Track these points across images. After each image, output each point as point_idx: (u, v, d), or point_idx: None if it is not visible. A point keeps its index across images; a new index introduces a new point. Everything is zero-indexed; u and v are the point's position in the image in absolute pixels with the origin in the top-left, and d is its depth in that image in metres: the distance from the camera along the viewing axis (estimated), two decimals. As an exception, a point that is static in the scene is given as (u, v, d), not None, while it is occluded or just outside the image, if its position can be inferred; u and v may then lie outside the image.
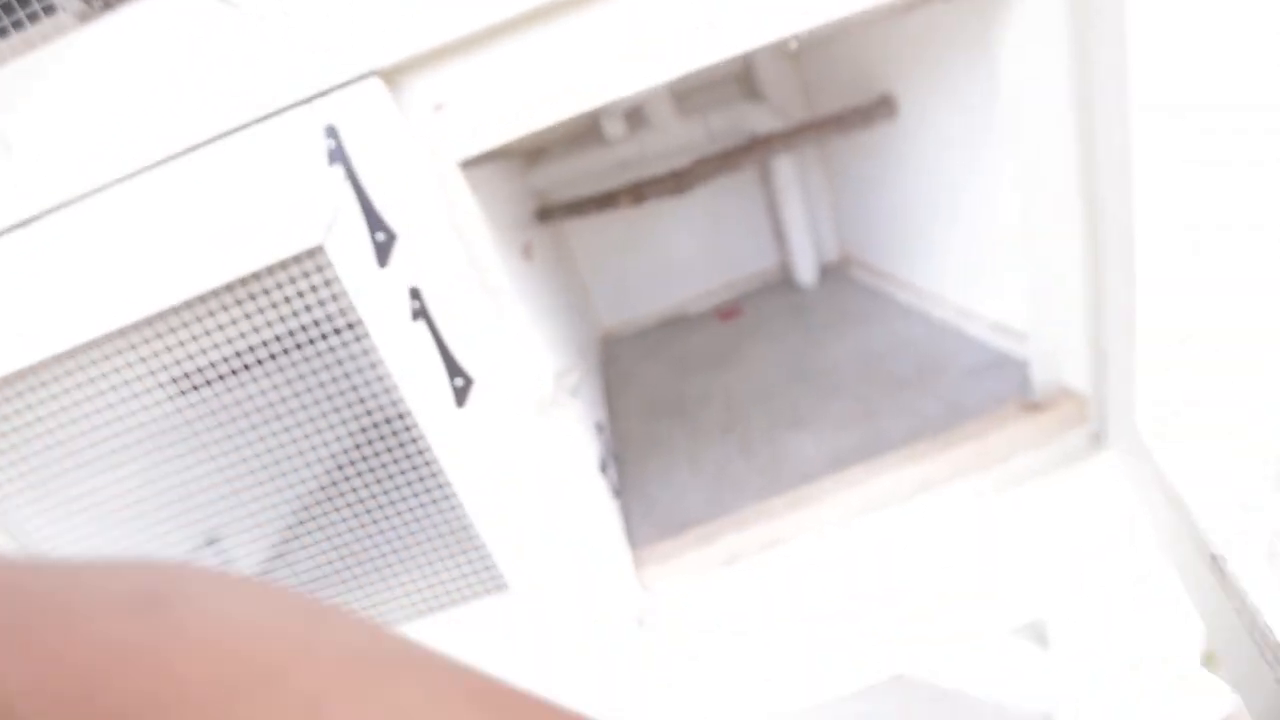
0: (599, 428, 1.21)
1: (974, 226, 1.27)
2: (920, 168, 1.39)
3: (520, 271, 1.03)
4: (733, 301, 1.95)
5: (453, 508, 0.80)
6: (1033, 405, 0.95)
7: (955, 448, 0.93)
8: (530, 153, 1.85)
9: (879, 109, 1.38)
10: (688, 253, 2.03)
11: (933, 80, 1.20)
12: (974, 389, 1.14)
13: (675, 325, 1.94)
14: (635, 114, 1.77)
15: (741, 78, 1.89)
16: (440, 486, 0.79)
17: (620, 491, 1.14)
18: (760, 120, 1.69)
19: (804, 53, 1.75)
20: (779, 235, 2.03)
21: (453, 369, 0.72)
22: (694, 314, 1.98)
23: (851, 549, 0.93)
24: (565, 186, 1.77)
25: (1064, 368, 0.95)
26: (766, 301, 1.89)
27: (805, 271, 1.88)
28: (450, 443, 0.75)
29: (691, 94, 1.86)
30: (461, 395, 0.73)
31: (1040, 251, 0.89)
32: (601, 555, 0.86)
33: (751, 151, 1.43)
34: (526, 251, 1.09)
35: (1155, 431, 0.77)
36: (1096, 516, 0.91)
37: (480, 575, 0.85)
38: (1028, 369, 1.08)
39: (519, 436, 0.76)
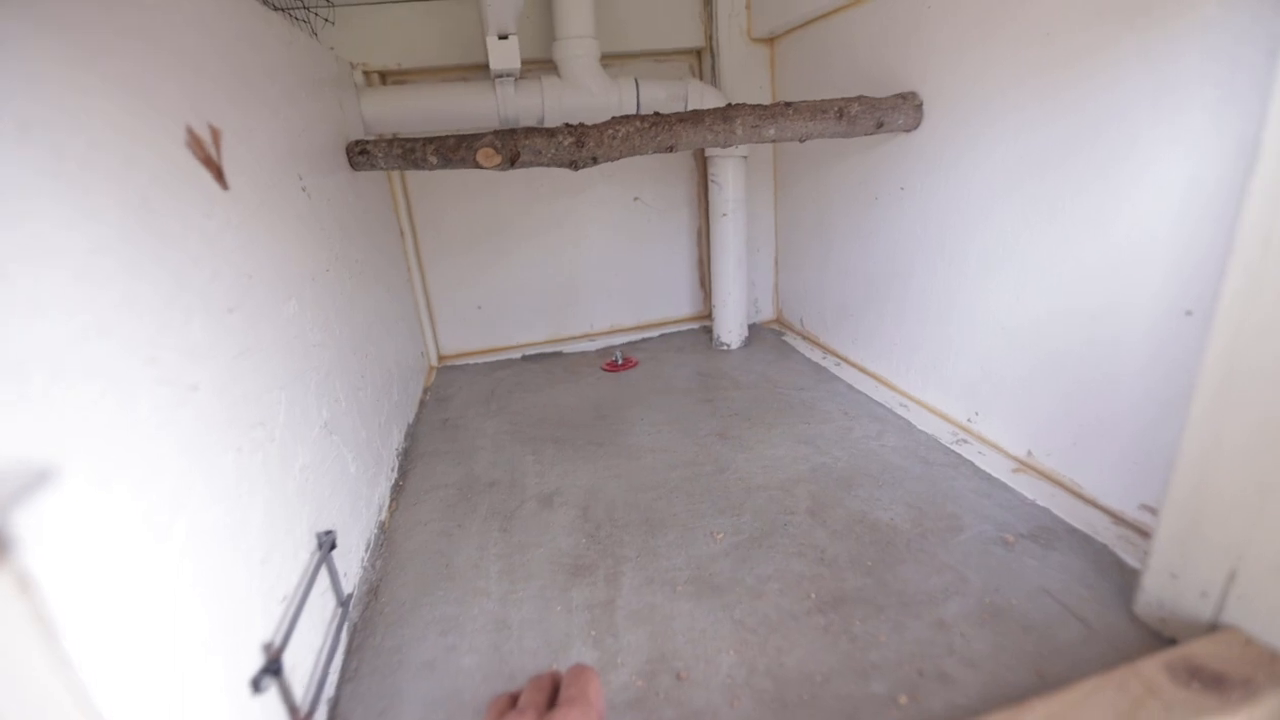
0: (323, 544, 0.60)
1: (1008, 307, 0.81)
2: (929, 212, 0.93)
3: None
4: (625, 348, 1.41)
5: None
6: (1202, 673, 0.46)
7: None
8: (384, 75, 1.25)
9: (895, 110, 0.92)
10: (580, 277, 1.48)
11: (994, 80, 0.75)
12: (1017, 576, 0.65)
13: (544, 367, 1.36)
14: (544, 65, 1.22)
15: (697, 60, 1.41)
16: None
17: (315, 707, 0.53)
18: (710, 103, 1.20)
19: (785, 39, 1.29)
20: (703, 276, 1.54)
21: None
22: (571, 355, 1.42)
23: None
24: (414, 132, 1.18)
25: (1259, 599, 0.47)
26: (671, 359, 1.36)
27: (730, 328, 1.38)
28: None
29: (626, 62, 1.35)
30: None
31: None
32: None
33: (699, 125, 0.92)
34: (208, 150, 0.49)
35: None
36: None
37: None
38: (1111, 558, 0.61)
39: None
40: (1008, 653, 0.56)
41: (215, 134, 0.51)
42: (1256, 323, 0.45)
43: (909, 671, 0.55)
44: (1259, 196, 0.44)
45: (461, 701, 0.56)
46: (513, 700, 0.44)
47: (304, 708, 0.50)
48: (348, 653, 0.63)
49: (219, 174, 0.52)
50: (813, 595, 0.64)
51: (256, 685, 0.44)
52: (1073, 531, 0.71)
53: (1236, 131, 0.54)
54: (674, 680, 0.56)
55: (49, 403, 0.30)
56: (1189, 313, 0.60)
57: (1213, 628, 0.50)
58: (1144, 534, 0.68)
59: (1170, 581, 0.54)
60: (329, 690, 0.57)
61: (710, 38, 1.33)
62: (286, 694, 0.47)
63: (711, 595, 0.65)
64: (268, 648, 0.46)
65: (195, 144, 0.48)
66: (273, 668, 0.45)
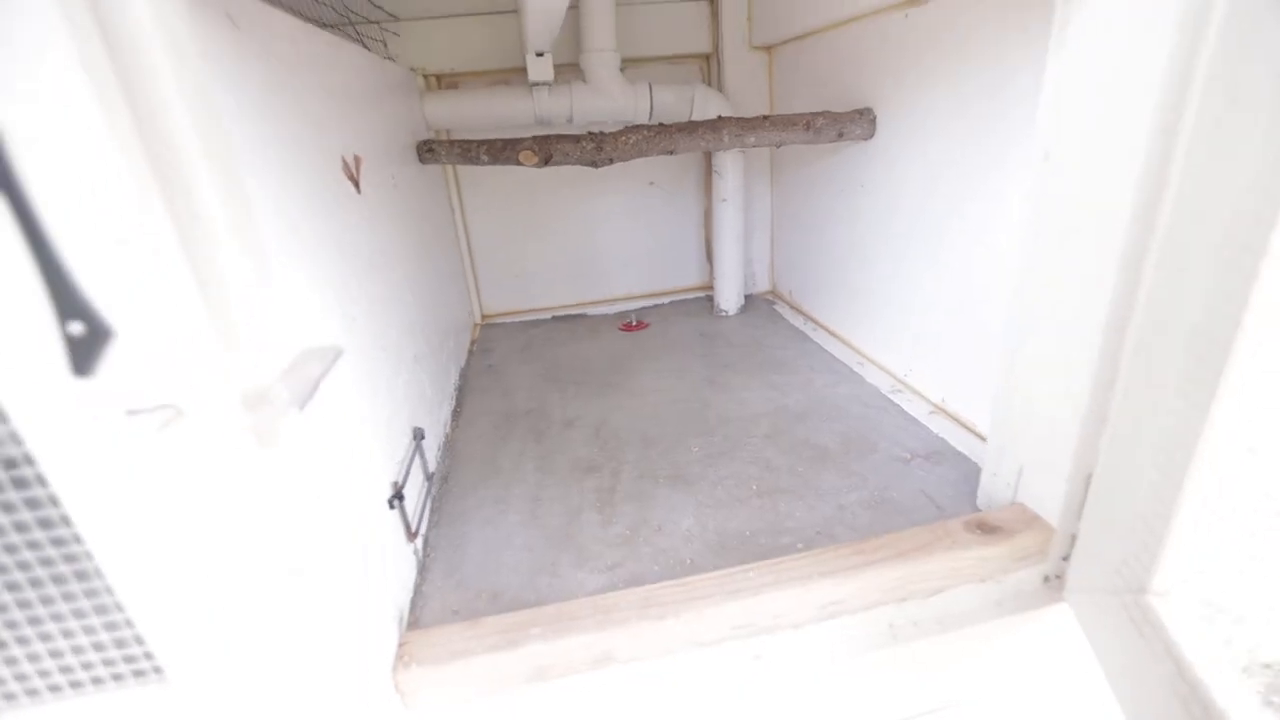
0: (416, 435, 0.88)
1: (932, 285, 1.05)
2: (882, 206, 1.16)
3: (326, 197, 0.69)
4: (639, 312, 1.66)
5: (60, 540, 0.46)
6: (985, 525, 0.71)
7: (878, 566, 0.67)
8: (440, 78, 1.50)
9: (853, 123, 1.15)
10: (602, 250, 1.73)
11: (926, 99, 0.97)
12: (906, 481, 0.90)
13: (570, 326, 1.63)
14: (573, 68, 1.46)
15: (706, 63, 1.62)
16: (41, 507, 0.44)
17: (419, 533, 0.81)
18: (713, 106, 1.43)
19: (780, 49, 1.51)
20: (709, 251, 1.78)
21: (66, 302, 0.38)
22: (593, 317, 1.68)
23: (712, 682, 0.65)
24: (466, 129, 1.43)
25: (1031, 486, 0.72)
26: (678, 321, 1.61)
27: (728, 297, 1.63)
28: (59, 436, 0.41)
29: (645, 65, 1.57)
30: (82, 354, 0.39)
31: (1043, 333, 0.66)
32: (343, 636, 0.53)
33: (694, 134, 1.15)
34: (352, 171, 0.75)
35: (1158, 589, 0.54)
36: (1047, 688, 0.68)
37: (110, 652, 0.50)
38: (979, 473, 0.86)
39: (202, 451, 0.42)
40: (880, 524, 0.82)
41: (358, 160, 0.77)
42: (1033, 281, 0.68)
43: (810, 533, 0.81)
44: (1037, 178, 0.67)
45: (512, 542, 0.84)
46: None
47: (413, 527, 0.78)
48: (431, 512, 0.91)
49: (356, 185, 0.78)
50: (754, 488, 0.90)
51: (391, 504, 0.72)
52: (958, 454, 0.96)
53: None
54: (652, 531, 0.83)
55: (303, 322, 0.56)
56: (1030, 293, 0.83)
57: (1009, 506, 0.75)
58: (1006, 456, 0.92)
59: (992, 479, 0.79)
60: (423, 529, 0.85)
61: (716, 45, 1.55)
62: (405, 516, 0.75)
63: (684, 486, 0.92)
64: (395, 484, 0.74)
65: (344, 167, 0.75)
66: (398, 494, 0.73)
